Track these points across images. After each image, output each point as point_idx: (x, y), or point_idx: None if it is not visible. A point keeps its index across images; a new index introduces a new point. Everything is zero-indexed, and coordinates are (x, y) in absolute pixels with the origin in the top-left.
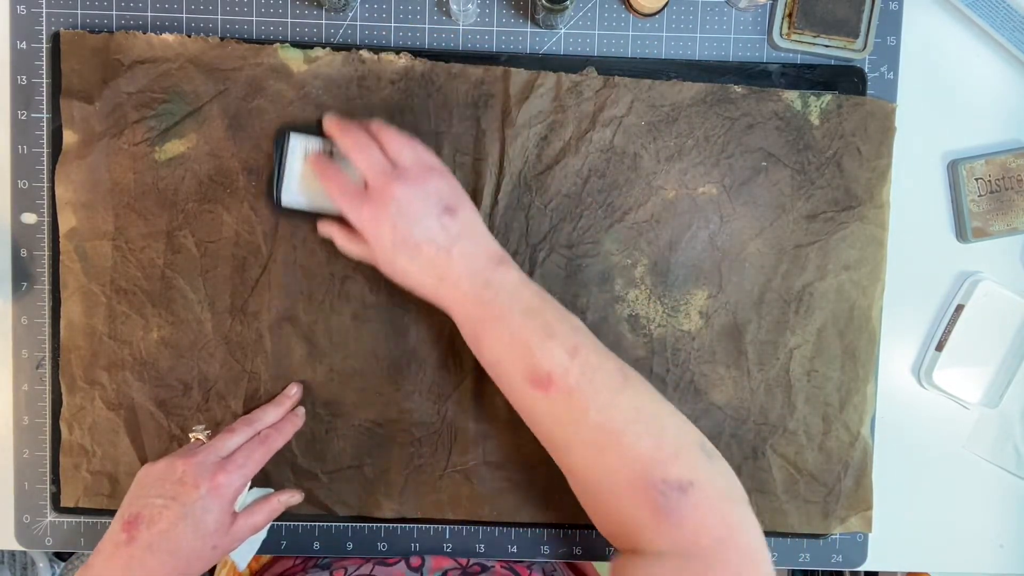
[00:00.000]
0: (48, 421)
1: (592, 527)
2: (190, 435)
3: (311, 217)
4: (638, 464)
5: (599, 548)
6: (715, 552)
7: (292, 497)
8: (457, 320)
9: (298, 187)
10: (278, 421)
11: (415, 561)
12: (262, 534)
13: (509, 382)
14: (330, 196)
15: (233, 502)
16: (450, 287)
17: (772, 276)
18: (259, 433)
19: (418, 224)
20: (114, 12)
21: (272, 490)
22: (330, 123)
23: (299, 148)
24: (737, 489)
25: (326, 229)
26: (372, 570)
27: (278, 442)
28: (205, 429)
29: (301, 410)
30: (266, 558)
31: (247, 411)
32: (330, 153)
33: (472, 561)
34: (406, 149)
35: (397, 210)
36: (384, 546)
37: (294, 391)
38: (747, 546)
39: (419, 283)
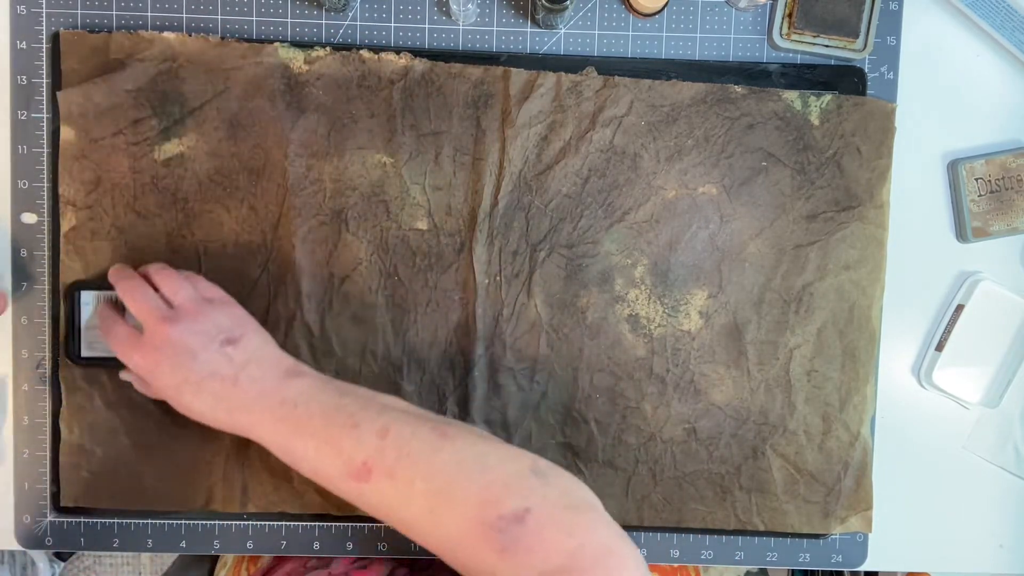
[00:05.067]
0: (48, 421)
1: None
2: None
3: (114, 363)
4: (472, 513)
5: None
6: (570, 565)
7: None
8: (265, 445)
9: (93, 339)
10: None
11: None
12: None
13: (334, 485)
14: (108, 346)
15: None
16: (243, 415)
17: (772, 276)
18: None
19: (196, 360)
20: (114, 12)
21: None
22: (111, 273)
23: (91, 302)
24: (578, 495)
25: (124, 376)
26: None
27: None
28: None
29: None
30: (267, 558)
31: None
32: (121, 304)
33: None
34: (182, 288)
35: (172, 351)
36: (384, 546)
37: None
38: (600, 546)
39: (212, 419)
